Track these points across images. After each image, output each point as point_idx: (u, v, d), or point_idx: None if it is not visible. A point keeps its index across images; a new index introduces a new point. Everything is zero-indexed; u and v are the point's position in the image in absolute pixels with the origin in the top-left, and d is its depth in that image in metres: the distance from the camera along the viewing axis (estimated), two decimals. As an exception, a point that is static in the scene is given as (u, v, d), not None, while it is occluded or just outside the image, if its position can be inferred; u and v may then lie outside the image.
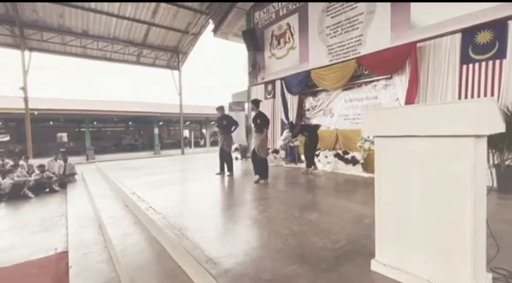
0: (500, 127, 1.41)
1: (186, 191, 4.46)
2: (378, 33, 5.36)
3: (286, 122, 7.39)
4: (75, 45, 11.19)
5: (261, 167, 4.73)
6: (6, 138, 17.94)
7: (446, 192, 1.39)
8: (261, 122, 4.76)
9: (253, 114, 5.05)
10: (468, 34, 4.18)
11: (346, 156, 5.61)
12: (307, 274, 1.69)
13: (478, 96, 4.10)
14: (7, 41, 10.04)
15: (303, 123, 7.06)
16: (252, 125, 5.00)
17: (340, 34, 6.12)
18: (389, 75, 5.25)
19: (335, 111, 6.51)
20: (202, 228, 2.58)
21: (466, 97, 4.19)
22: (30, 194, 5.92)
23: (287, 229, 2.47)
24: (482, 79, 4.06)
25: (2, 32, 9.72)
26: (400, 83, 5.04)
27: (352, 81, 5.93)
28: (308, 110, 7.28)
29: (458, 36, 4.28)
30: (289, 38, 7.56)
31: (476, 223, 1.35)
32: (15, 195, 5.77)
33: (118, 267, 2.39)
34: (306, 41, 6.98)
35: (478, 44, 4.09)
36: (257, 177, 4.74)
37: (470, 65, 4.15)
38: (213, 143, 21.31)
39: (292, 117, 7.35)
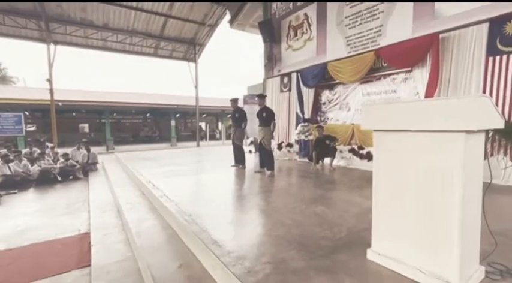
0: (496, 123, 1.47)
1: (198, 181, 4.72)
2: (399, 23, 5.26)
3: (301, 115, 7.46)
4: (96, 38, 11.81)
5: (266, 159, 4.93)
6: (33, 128, 19.33)
7: (436, 186, 1.49)
8: (267, 116, 4.93)
9: (258, 108, 5.22)
10: (496, 24, 4.03)
11: (361, 152, 5.63)
12: (303, 258, 1.85)
13: (505, 90, 3.98)
14: (34, 35, 10.80)
15: (321, 122, 7.08)
16: (258, 119, 5.18)
17: (360, 24, 6.05)
18: (410, 68, 5.17)
19: (352, 105, 6.49)
20: (211, 215, 2.80)
21: (491, 91, 4.08)
22: (58, 177, 6.55)
23: (291, 219, 2.63)
24: (510, 72, 3.92)
25: (30, 27, 10.47)
26: (421, 76, 4.95)
27: (370, 74, 5.88)
28: (324, 103, 7.30)
29: (486, 26, 4.13)
30: (306, 29, 7.55)
31: (466, 218, 1.43)
32: (43, 181, 6.37)
33: (134, 247, 2.68)
34: (324, 32, 6.95)
35: (507, 35, 3.94)
36: (259, 168, 5.02)
37: (498, 58, 4.02)
38: (229, 136, 21.68)
39: (308, 110, 7.40)
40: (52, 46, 10.98)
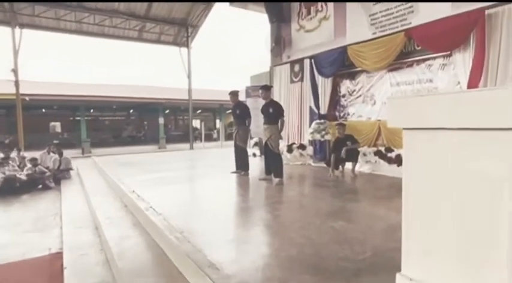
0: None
1: (192, 191, 4.75)
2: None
3: (316, 111, 7.46)
4: (69, 20, 12.00)
5: (274, 164, 4.94)
6: (-4, 128, 19.67)
7: (484, 198, 1.46)
8: (274, 112, 4.94)
9: (263, 102, 5.24)
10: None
11: (389, 154, 5.60)
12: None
13: None
14: (-4, 17, 11.02)
15: (341, 119, 7.06)
16: (262, 115, 5.19)
17: (387, -1, 6.03)
18: (449, 52, 5.12)
19: (377, 98, 6.46)
20: (207, 231, 2.81)
21: (550, 80, 4.02)
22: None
23: (304, 237, 2.63)
24: None
25: (-9, 7, 10.68)
26: (463, 61, 4.91)
27: (400, 60, 5.84)
28: (344, 96, 7.28)
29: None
30: (321, 6, 7.54)
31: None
32: (7, 190, 6.46)
33: (114, 270, 2.70)
34: (343, 9, 6.93)
35: None
36: (265, 175, 5.08)
37: (558, 38, 3.96)
38: (229, 136, 21.75)
39: (324, 105, 7.39)
40: (18, 30, 11.19)
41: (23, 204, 5.85)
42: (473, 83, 4.61)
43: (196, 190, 5.06)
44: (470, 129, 1.46)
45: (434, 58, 5.46)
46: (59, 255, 3.31)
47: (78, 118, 19.98)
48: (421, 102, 1.66)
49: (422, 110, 1.64)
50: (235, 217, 3.54)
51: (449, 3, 5.01)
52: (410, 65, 5.85)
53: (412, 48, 5.65)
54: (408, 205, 1.79)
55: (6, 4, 10.60)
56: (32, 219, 4.75)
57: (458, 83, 5.05)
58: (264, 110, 5.13)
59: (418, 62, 5.70)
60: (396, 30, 5.82)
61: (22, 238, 3.98)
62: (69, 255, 3.22)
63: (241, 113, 5.75)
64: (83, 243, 3.50)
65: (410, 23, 5.62)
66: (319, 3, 7.58)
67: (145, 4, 12.23)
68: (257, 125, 8.10)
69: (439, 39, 5.03)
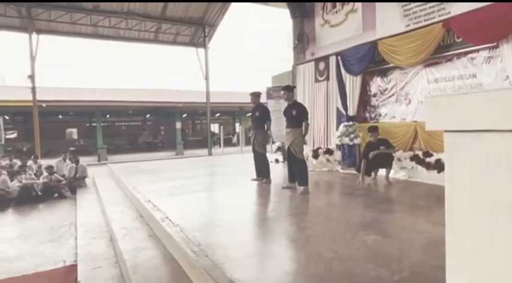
0: None
1: (211, 200, 4.77)
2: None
3: (343, 112, 7.32)
4: (85, 24, 12.54)
5: (298, 171, 4.87)
6: (14, 135, 20.84)
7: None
8: (297, 114, 4.88)
9: (286, 104, 5.21)
10: None
11: (428, 159, 5.38)
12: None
13: None
14: (14, 23, 11.69)
15: (372, 120, 6.92)
16: (285, 118, 5.15)
17: (422, -13, 5.85)
18: (495, 43, 4.88)
19: (413, 97, 6.25)
20: (227, 245, 2.79)
21: None
22: (40, 194, 7.01)
23: (332, 252, 2.55)
24: None
25: (9, 14, 11.34)
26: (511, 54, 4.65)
27: (439, 54, 5.64)
28: (375, 95, 7.11)
29: None
30: (349, -2, 7.44)
31: None
32: (24, 199, 6.78)
33: (129, 285, 2.73)
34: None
35: None
36: (288, 182, 5.03)
37: None
38: (249, 141, 21.84)
39: (352, 105, 7.24)
40: (34, 36, 11.81)
41: (38, 213, 6.11)
42: (524, 78, 4.36)
43: (214, 200, 5.06)
44: (526, 131, 1.35)
45: (477, 50, 5.21)
46: (73, 268, 3.41)
47: (94, 124, 20.74)
48: (466, 100, 1.56)
49: (467, 109, 1.54)
50: (257, 229, 3.50)
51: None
52: (450, 59, 5.62)
53: (452, 40, 5.43)
54: (453, 218, 1.68)
55: (23, 10, 11.24)
56: (47, 229, 4.95)
57: (507, 77, 4.79)
58: (287, 113, 5.08)
59: (459, 55, 5.46)
60: (433, 21, 5.62)
61: (37, 249, 4.14)
62: (83, 267, 3.31)
63: (260, 115, 5.73)
64: (98, 255, 3.59)
65: (449, 13, 5.41)
66: (346, -5, 7.48)
67: (160, 4, 12.56)
68: (279, 129, 8.08)
69: (483, 29, 4.79)
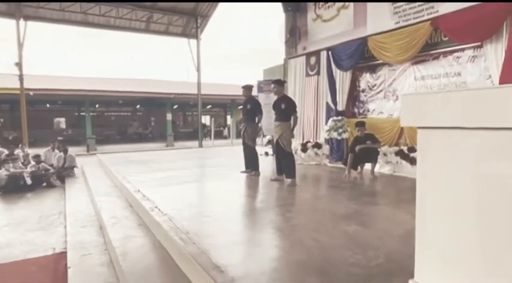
0: None
1: (200, 191, 4.87)
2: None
3: (333, 107, 7.44)
4: (74, 11, 12.33)
5: (285, 164, 4.99)
6: (-1, 123, 20.50)
7: (504, 202, 1.49)
8: (287, 107, 4.99)
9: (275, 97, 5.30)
10: None
11: (412, 155, 5.55)
12: (328, 291, 1.91)
13: None
14: (1, 9, 11.44)
15: (360, 116, 7.06)
16: (274, 112, 5.24)
17: (412, -15, 5.96)
18: (479, 43, 5.03)
19: (400, 93, 6.38)
20: (214, 233, 2.90)
21: None
22: (29, 183, 7.00)
23: (315, 241, 2.68)
24: None
25: (-4, -1, 11.10)
26: (495, 53, 4.80)
27: (426, 51, 5.77)
28: (363, 90, 7.23)
29: None
30: (340, -7, 7.52)
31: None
32: (12, 188, 6.77)
33: (118, 271, 2.83)
34: (364, -3, 6.89)
35: None
36: (276, 175, 5.13)
37: None
38: (239, 134, 21.92)
39: (342, 100, 7.36)
40: (22, 22, 11.58)
41: (27, 202, 6.13)
42: (506, 77, 4.52)
43: (203, 191, 5.16)
44: (488, 129, 1.48)
45: (463, 49, 5.36)
46: (63, 255, 3.48)
47: (83, 114, 20.52)
48: (436, 99, 1.68)
49: (437, 107, 1.67)
50: (244, 219, 3.62)
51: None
52: (437, 57, 5.76)
53: (439, 38, 5.57)
54: (423, 208, 1.82)
55: (10, -5, 11.00)
56: (36, 218, 4.98)
57: (490, 76, 4.96)
58: (276, 106, 5.17)
59: (445, 53, 5.61)
60: (422, 19, 5.74)
61: (26, 237, 4.19)
62: (73, 254, 3.37)
63: (251, 108, 5.80)
64: (87, 243, 3.66)
65: (437, 11, 5.53)
66: (338, -10, 7.55)
67: (152, -7, 12.43)
68: (269, 122, 8.15)
69: (468, 29, 4.94)
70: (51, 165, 8.05)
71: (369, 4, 6.78)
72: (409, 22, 5.95)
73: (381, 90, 6.83)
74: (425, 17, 5.68)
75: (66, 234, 4.08)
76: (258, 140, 11.09)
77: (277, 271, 2.20)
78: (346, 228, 2.99)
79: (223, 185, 5.26)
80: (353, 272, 2.12)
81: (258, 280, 2.05)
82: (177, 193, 4.61)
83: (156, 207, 3.71)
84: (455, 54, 5.50)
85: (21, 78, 11.80)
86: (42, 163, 7.70)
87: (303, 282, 2.04)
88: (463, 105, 1.57)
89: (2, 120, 21.11)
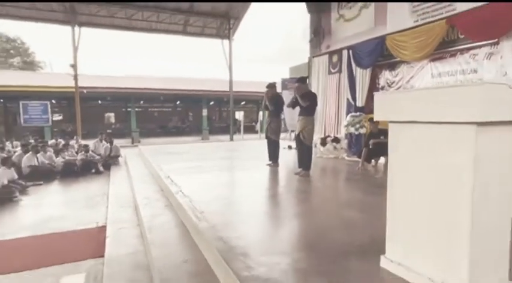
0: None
1: (221, 179, 5.19)
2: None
3: (352, 103, 7.48)
4: (120, 17, 13.18)
5: (303, 157, 5.14)
6: (60, 117, 22.37)
7: (448, 186, 1.65)
8: (308, 102, 5.10)
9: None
10: None
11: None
12: (310, 261, 2.14)
13: None
14: (59, 17, 12.55)
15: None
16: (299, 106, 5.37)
17: (431, -16, 5.85)
18: (495, 40, 4.88)
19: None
20: (224, 212, 3.23)
21: None
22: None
23: (312, 222, 2.92)
24: None
25: (55, 9, 12.19)
26: (511, 50, 4.66)
27: (443, 49, 5.67)
28: (383, 87, 7.19)
29: None
30: (362, -7, 7.48)
31: (481, 224, 1.57)
32: (67, 173, 7.59)
33: (145, 241, 3.24)
34: (384, -4, 6.83)
35: None
36: (298, 168, 5.20)
37: None
38: (271, 129, 22.06)
39: (361, 97, 7.37)
40: (77, 28, 12.63)
41: (78, 185, 6.87)
42: (519, 74, 4.39)
43: (224, 179, 5.49)
44: (437, 123, 1.65)
45: (479, 47, 5.22)
46: (103, 228, 3.99)
47: (129, 109, 21.80)
48: (399, 97, 1.86)
49: (400, 104, 1.85)
50: (254, 203, 3.84)
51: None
52: (454, 55, 5.65)
53: (456, 36, 5.46)
54: (392, 194, 2.01)
55: (67, 4, 12.03)
56: (85, 198, 5.64)
57: (506, 73, 4.81)
58: (299, 101, 5.27)
59: (462, 51, 5.49)
60: (440, 17, 5.64)
61: (76, 213, 4.81)
62: (111, 228, 3.88)
63: (276, 105, 5.99)
64: (123, 219, 4.16)
65: (455, 9, 5.42)
66: (360, -10, 7.52)
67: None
68: (292, 117, 8.35)
69: (483, 26, 4.81)
70: (99, 155, 8.85)
71: (389, 3, 6.71)
72: (428, 20, 5.88)
73: (399, 87, 6.77)
74: (444, 15, 5.60)
75: (107, 212, 4.62)
76: (287, 135, 11.28)
77: (271, 243, 2.46)
78: (343, 214, 3.18)
79: (242, 174, 5.57)
80: (339, 248, 2.33)
81: (254, 248, 2.32)
82: (202, 180, 4.97)
83: (180, 191, 4.10)
84: (472, 51, 5.36)
85: (75, 78, 12.90)
86: (90, 152, 8.49)
87: (292, 253, 2.29)
88: (419, 102, 1.74)
89: (61, 114, 23.00)
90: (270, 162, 6.12)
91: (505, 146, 1.62)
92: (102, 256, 3.18)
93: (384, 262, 2.05)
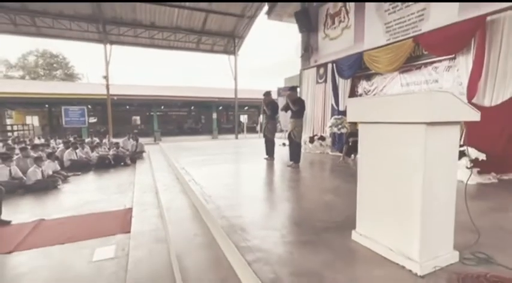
0: (465, 116, 1.63)
1: (227, 170, 5.26)
2: (445, 5, 4.99)
3: (336, 107, 7.51)
4: (144, 37, 13.25)
5: (294, 152, 5.20)
6: (94, 120, 22.48)
7: (405, 174, 1.71)
8: (298, 106, 5.16)
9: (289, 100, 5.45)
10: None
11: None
12: (295, 234, 2.21)
13: None
14: (94, 37, 12.63)
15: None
16: (290, 110, 5.42)
17: (400, 9, 5.86)
18: (453, 55, 4.91)
19: (389, 97, 6.35)
20: (228, 196, 3.30)
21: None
22: (112, 162, 7.88)
23: (297, 204, 2.99)
24: None
25: (90, 30, 12.26)
26: (465, 64, 4.69)
27: (410, 63, 5.69)
28: (361, 95, 7.21)
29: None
30: (344, 17, 7.50)
31: (430, 203, 1.64)
32: (100, 165, 7.68)
33: (163, 220, 3.32)
34: (362, 19, 6.84)
35: None
36: (289, 161, 5.23)
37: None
38: (269, 129, 22.06)
39: (343, 102, 7.41)
40: (108, 46, 12.70)
41: (110, 175, 6.96)
42: (472, 83, 4.43)
43: (229, 170, 5.56)
44: (396, 123, 1.71)
45: (440, 61, 5.26)
46: (130, 210, 4.07)
47: (152, 113, 21.88)
48: (365, 102, 1.92)
49: (366, 108, 1.90)
50: (252, 189, 3.94)
51: (457, 9, 4.79)
52: (419, 67, 5.68)
53: (421, 52, 5.48)
54: (361, 179, 2.08)
55: (100, 27, 12.10)
56: (116, 185, 5.72)
57: (461, 83, 4.83)
58: (291, 106, 5.32)
59: (426, 64, 5.52)
60: (408, 36, 5.66)
61: (109, 197, 4.89)
62: (136, 209, 3.96)
63: (271, 109, 6.05)
64: (146, 203, 4.24)
65: (420, 30, 5.44)
66: (342, 14, 7.54)
67: (200, 22, 13.00)
68: (286, 120, 8.39)
69: (443, 44, 4.84)
70: (127, 150, 8.93)
71: (366, 24, 6.74)
72: (398, 38, 5.89)
73: (374, 95, 6.79)
74: (411, 34, 5.60)
75: (133, 197, 4.70)
76: (282, 134, 11.33)
77: (263, 221, 2.54)
78: (325, 198, 3.24)
79: (244, 166, 5.65)
80: (316, 225, 2.41)
81: (250, 224, 2.40)
82: (210, 170, 5.03)
83: (192, 179, 4.18)
84: (434, 64, 5.40)
85: (107, 87, 12.99)
86: (120, 149, 8.58)
87: (282, 228, 2.36)
88: (377, 107, 1.80)
89: (96, 117, 23.11)
90: (267, 157, 6.20)
91: (448, 140, 1.68)
92: (129, 232, 3.26)
93: (354, 236, 2.11)
